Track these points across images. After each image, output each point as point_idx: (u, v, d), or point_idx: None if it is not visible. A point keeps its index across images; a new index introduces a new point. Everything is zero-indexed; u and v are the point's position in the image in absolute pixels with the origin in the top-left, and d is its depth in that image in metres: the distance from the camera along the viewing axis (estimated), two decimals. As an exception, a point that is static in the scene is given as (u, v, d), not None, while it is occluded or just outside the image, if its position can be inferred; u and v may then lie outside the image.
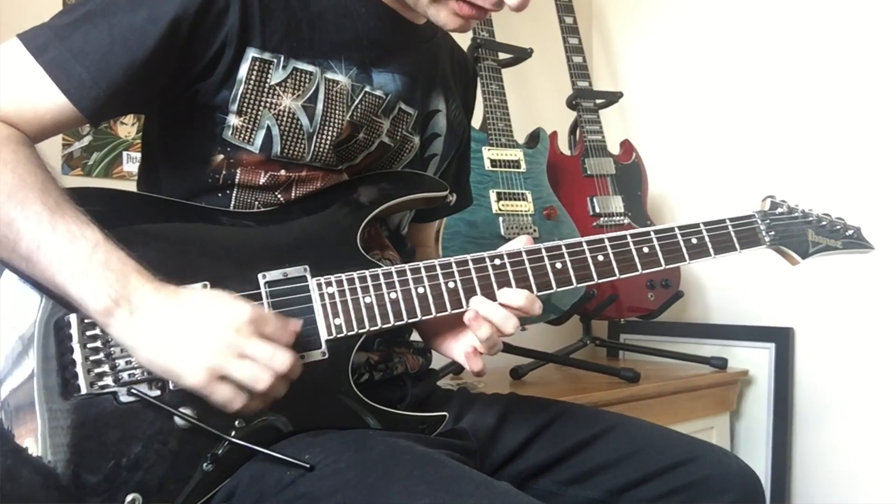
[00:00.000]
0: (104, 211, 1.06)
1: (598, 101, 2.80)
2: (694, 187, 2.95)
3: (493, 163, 2.34)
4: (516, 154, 2.40)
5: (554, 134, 2.63)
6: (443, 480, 0.99)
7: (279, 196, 1.24)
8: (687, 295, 2.73)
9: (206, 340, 1.00)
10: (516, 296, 1.20)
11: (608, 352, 3.03)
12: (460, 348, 1.29)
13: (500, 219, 2.26)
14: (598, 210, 2.58)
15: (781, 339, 2.62)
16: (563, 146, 2.75)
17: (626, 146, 2.80)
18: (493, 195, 2.29)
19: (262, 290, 1.13)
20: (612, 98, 2.85)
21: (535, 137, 2.56)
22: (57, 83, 1.08)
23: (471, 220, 2.19)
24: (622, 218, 2.60)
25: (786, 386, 2.58)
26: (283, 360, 1.02)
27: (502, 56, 2.56)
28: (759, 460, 2.58)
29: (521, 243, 1.26)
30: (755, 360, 2.65)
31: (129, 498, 1.02)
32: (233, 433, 1.08)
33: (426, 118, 1.42)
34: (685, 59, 2.99)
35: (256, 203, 1.23)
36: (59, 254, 0.99)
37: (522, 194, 2.34)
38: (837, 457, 2.51)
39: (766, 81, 2.73)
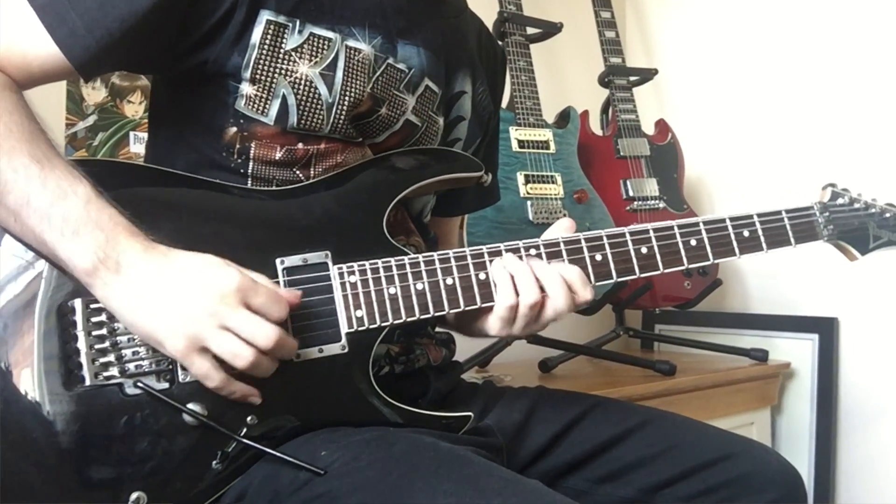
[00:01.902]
0: (108, 188, 1.04)
1: (632, 79, 2.78)
2: (733, 170, 2.92)
3: (521, 143, 2.33)
4: (545, 134, 2.39)
5: (585, 113, 2.62)
6: (469, 478, 0.98)
7: (298, 172, 1.22)
8: (726, 283, 2.72)
9: (189, 308, 0.99)
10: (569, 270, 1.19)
11: (642, 343, 3.02)
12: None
13: (528, 203, 2.25)
14: (631, 193, 2.57)
15: (825, 330, 2.60)
16: (595, 126, 2.74)
17: (662, 126, 2.78)
18: (520, 178, 2.28)
19: (280, 278, 1.12)
20: (647, 75, 2.83)
21: (565, 117, 2.54)
22: (48, 29, 1.07)
23: (497, 205, 2.18)
24: (657, 202, 2.58)
25: (830, 379, 2.56)
26: (266, 336, 1.00)
27: (530, 31, 2.55)
28: (801, 458, 2.57)
29: (561, 229, 1.24)
30: (798, 351, 2.64)
31: (133, 496, 1.01)
32: (244, 431, 1.07)
33: (451, 99, 1.40)
34: (724, 34, 2.96)
35: (275, 180, 1.21)
36: (48, 211, 0.98)
37: (552, 177, 2.33)
38: (886, 455, 2.49)
39: (811, 56, 2.69)
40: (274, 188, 1.21)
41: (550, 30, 2.61)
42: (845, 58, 2.60)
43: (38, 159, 1.00)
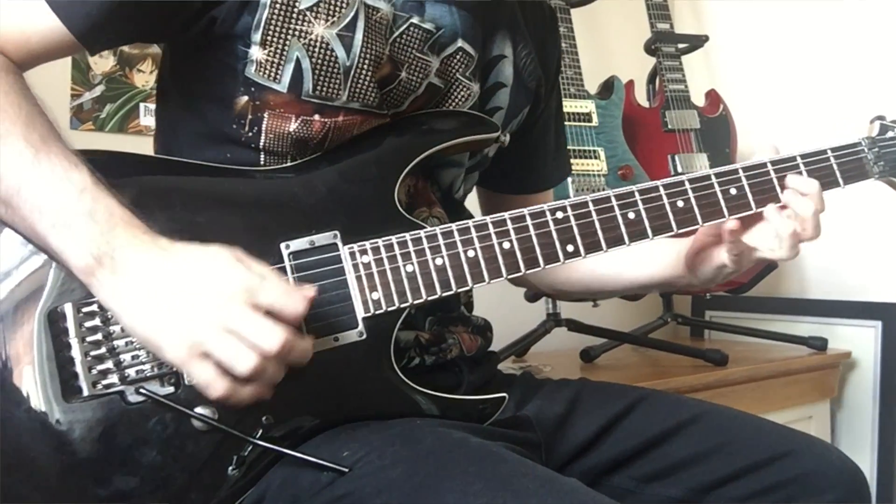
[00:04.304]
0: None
1: (681, 46, 2.76)
2: (789, 144, 2.88)
3: (561, 116, 2.32)
4: (587, 106, 2.38)
5: (630, 83, 2.61)
6: (502, 477, 0.97)
7: (314, 148, 1.20)
8: (781, 266, 2.69)
9: (190, 310, 0.95)
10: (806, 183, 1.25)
11: (692, 331, 3.02)
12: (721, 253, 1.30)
13: (570, 179, 2.24)
14: (680, 169, 2.54)
15: (889, 317, 2.58)
16: (641, 97, 2.72)
17: (713, 97, 2.76)
18: (560, 153, 2.26)
19: (286, 263, 1.10)
20: (697, 42, 2.80)
21: (608, 87, 2.53)
22: None
23: (535, 182, 2.18)
24: (708, 179, 2.56)
25: (894, 370, 2.54)
26: (272, 339, 0.95)
27: (571, -6, 2.54)
28: (863, 454, 2.55)
29: (768, 151, 1.31)
30: (859, 340, 2.63)
31: None
32: (259, 432, 1.05)
33: (488, 64, 1.37)
34: (781, -3, 2.93)
35: (289, 156, 1.19)
36: (40, 199, 0.97)
37: (594, 152, 2.32)
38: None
39: (873, 20, 2.66)
40: (273, 167, 1.19)
41: (593, -7, 2.59)
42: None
43: (34, 143, 0.98)
